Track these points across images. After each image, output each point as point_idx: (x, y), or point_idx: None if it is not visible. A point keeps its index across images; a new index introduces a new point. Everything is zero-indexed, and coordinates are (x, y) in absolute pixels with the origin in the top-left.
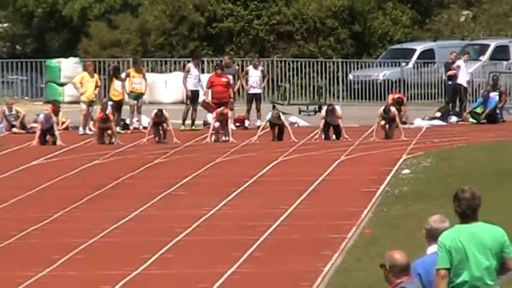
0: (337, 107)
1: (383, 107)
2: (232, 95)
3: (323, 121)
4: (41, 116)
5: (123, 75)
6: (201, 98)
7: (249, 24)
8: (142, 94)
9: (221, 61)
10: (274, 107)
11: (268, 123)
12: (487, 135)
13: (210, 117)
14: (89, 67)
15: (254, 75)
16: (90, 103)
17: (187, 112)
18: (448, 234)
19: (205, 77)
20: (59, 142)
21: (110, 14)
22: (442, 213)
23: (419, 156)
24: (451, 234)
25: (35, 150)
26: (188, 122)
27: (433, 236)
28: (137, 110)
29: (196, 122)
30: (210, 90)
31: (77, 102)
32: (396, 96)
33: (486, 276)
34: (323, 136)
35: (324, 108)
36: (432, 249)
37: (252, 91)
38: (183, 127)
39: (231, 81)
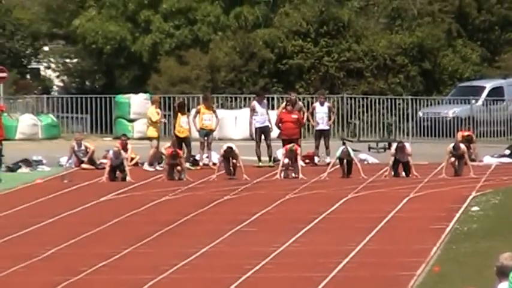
0: (407, 144)
1: (452, 144)
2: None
3: (393, 158)
4: (111, 152)
5: (193, 111)
6: (274, 133)
7: (319, 60)
8: (212, 130)
9: (290, 98)
10: (344, 143)
11: (337, 160)
12: None
13: (280, 153)
14: (156, 102)
15: (320, 111)
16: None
17: (259, 148)
18: None
19: (274, 114)
20: (128, 178)
21: (180, 49)
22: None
23: (488, 194)
24: None
25: (104, 186)
26: (264, 158)
27: (503, 273)
28: (207, 147)
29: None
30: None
31: (145, 138)
32: (466, 133)
33: None
34: (392, 173)
35: (394, 145)
36: (503, 286)
37: (318, 127)
38: (260, 163)
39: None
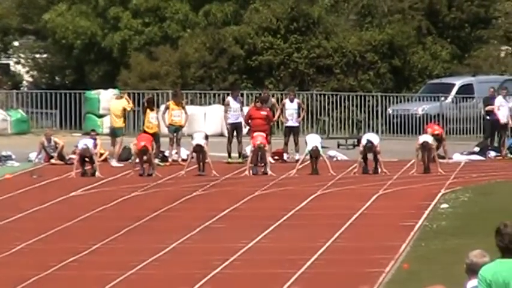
0: (376, 139)
1: (420, 138)
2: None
3: (361, 155)
4: (80, 144)
5: (162, 107)
6: (244, 130)
7: (289, 57)
8: (181, 127)
9: (260, 94)
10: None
11: (308, 156)
12: None
13: (249, 150)
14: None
15: (290, 108)
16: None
17: (230, 144)
18: (489, 268)
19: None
20: (97, 174)
21: (150, 46)
22: (481, 248)
23: (457, 191)
24: (492, 269)
25: (73, 181)
26: (234, 154)
27: (473, 270)
28: (176, 143)
29: (234, 154)
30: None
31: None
32: (436, 132)
33: None
34: (361, 170)
35: (363, 141)
36: (472, 283)
37: (288, 124)
38: (229, 159)
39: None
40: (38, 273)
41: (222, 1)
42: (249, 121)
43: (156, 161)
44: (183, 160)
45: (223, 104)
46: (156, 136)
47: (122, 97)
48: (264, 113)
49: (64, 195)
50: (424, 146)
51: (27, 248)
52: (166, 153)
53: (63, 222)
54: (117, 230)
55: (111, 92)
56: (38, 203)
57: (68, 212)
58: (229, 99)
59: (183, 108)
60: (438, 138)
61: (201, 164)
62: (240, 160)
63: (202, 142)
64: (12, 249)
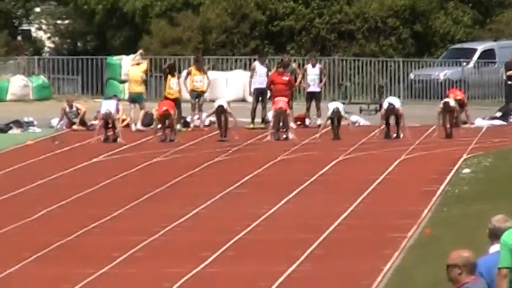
0: (397, 102)
1: (442, 102)
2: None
3: (383, 120)
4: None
5: (184, 73)
6: (269, 94)
7: (311, 22)
8: (203, 92)
9: (282, 60)
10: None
11: (329, 120)
12: None
13: (271, 115)
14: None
15: (312, 73)
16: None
17: (254, 110)
18: (511, 233)
19: None
20: (119, 139)
21: (171, 12)
22: (503, 213)
23: (479, 156)
24: None
25: (95, 147)
26: (257, 120)
27: (495, 235)
28: (198, 108)
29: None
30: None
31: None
32: (458, 97)
33: None
34: (384, 135)
35: (384, 105)
36: (495, 248)
37: (310, 89)
38: (252, 125)
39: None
40: (60, 239)
41: None
42: (271, 86)
43: (178, 126)
44: (205, 126)
45: (245, 69)
46: (177, 102)
47: (139, 64)
48: (285, 78)
49: (86, 161)
50: (446, 108)
51: (49, 214)
52: (188, 119)
53: (85, 188)
54: (139, 196)
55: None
56: (60, 170)
57: (90, 178)
58: (256, 64)
59: (205, 73)
60: (460, 104)
61: (223, 129)
62: (263, 126)
63: (225, 104)
64: (35, 215)
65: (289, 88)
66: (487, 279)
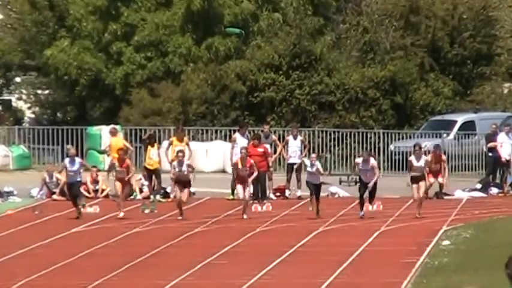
0: (372, 159)
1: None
2: (270, 164)
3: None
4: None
5: (165, 143)
6: None
7: (291, 94)
8: None
9: (259, 131)
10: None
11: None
12: None
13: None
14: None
15: (293, 145)
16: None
17: (234, 181)
18: None
19: None
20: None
21: (151, 81)
22: (481, 285)
23: (459, 228)
24: None
25: (75, 217)
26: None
27: None
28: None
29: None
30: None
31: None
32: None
33: None
34: (359, 208)
35: (359, 159)
36: None
37: (291, 161)
38: (231, 196)
39: (269, 151)
40: None
41: (225, 36)
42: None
43: (158, 197)
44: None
45: (225, 140)
46: (157, 172)
47: (115, 133)
48: (260, 149)
49: (65, 231)
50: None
51: (28, 285)
52: (168, 190)
53: (65, 258)
54: (119, 267)
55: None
56: (40, 239)
57: (70, 248)
58: (237, 135)
59: (187, 144)
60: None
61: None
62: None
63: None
64: (14, 285)
65: (265, 159)
66: None
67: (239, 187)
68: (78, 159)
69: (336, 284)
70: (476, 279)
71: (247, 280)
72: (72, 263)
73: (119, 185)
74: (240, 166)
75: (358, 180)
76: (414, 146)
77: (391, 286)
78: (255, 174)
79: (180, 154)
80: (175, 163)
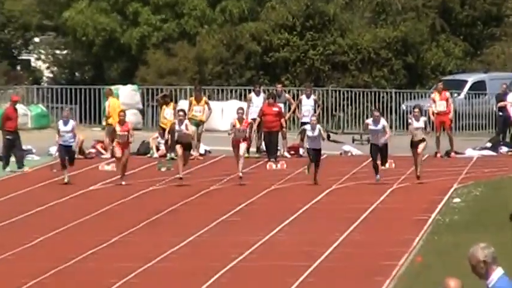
0: (382, 119)
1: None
2: (284, 124)
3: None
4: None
5: (181, 102)
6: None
7: (305, 54)
8: (202, 122)
9: (273, 90)
10: (329, 136)
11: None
12: None
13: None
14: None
15: (306, 104)
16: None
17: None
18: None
19: None
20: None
21: (168, 42)
22: (483, 242)
23: (470, 186)
24: None
25: (92, 175)
26: (252, 149)
27: (495, 258)
28: (197, 138)
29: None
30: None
31: (135, 128)
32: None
33: None
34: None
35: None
36: (499, 272)
37: (304, 120)
38: (247, 154)
39: (282, 110)
40: (58, 266)
41: None
42: (262, 117)
43: (173, 155)
44: (201, 155)
45: (240, 100)
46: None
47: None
48: (275, 109)
49: (83, 189)
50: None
51: (46, 241)
52: None
53: (82, 215)
54: (135, 224)
55: (130, 88)
56: (57, 197)
57: (87, 206)
58: (252, 95)
59: (207, 103)
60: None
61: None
62: (257, 155)
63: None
64: (32, 242)
65: (279, 118)
66: None
67: (236, 147)
68: (72, 121)
69: (349, 240)
70: (486, 237)
71: (261, 237)
72: (89, 220)
73: (118, 149)
74: (237, 126)
75: (368, 142)
76: (414, 108)
77: (403, 243)
78: (250, 134)
79: (181, 113)
80: (176, 122)
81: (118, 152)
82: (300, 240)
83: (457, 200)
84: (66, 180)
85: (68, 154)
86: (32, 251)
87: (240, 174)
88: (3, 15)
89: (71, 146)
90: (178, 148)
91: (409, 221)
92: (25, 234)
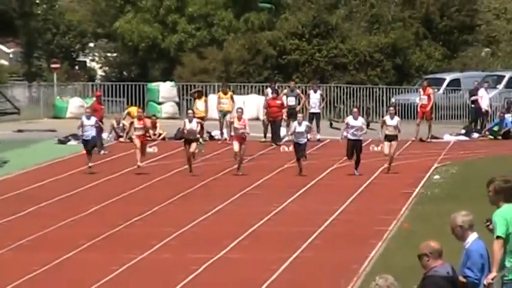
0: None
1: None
2: (284, 116)
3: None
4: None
5: (211, 96)
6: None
7: (312, 56)
8: (229, 111)
9: (286, 86)
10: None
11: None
12: (502, 149)
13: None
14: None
15: (314, 97)
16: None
17: (266, 127)
18: (505, 211)
19: None
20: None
21: (200, 47)
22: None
23: (448, 165)
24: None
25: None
26: (268, 135)
27: (472, 225)
28: (225, 125)
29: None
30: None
31: (172, 118)
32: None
33: None
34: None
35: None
36: (473, 236)
37: (312, 110)
38: (264, 139)
39: (294, 103)
40: (109, 230)
41: (259, 11)
42: (267, 108)
43: (201, 140)
44: (226, 139)
45: (259, 94)
46: (203, 120)
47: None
48: (279, 102)
49: (130, 167)
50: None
51: (100, 210)
52: (213, 134)
53: (129, 189)
54: (173, 195)
55: (168, 84)
56: (108, 174)
57: (133, 181)
58: (268, 90)
59: (231, 97)
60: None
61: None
62: (263, 139)
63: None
64: (88, 210)
65: (281, 109)
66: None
67: (235, 143)
68: (93, 117)
69: (348, 209)
70: (462, 207)
71: (276, 207)
72: (135, 193)
73: (138, 141)
74: (235, 124)
75: (366, 125)
76: (389, 106)
77: (393, 212)
78: (247, 132)
79: (190, 112)
80: (186, 119)
81: (137, 143)
82: (307, 210)
83: (437, 176)
84: (90, 165)
85: (90, 144)
86: (88, 218)
87: (240, 173)
88: (64, 24)
89: (94, 137)
90: (186, 145)
91: (397, 193)
92: (82, 204)
